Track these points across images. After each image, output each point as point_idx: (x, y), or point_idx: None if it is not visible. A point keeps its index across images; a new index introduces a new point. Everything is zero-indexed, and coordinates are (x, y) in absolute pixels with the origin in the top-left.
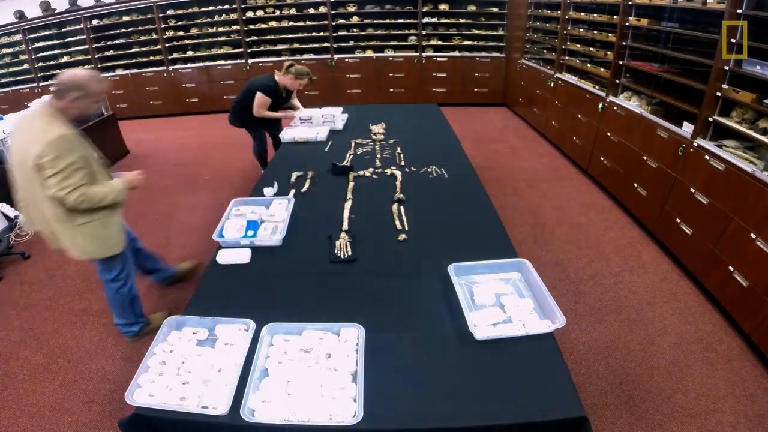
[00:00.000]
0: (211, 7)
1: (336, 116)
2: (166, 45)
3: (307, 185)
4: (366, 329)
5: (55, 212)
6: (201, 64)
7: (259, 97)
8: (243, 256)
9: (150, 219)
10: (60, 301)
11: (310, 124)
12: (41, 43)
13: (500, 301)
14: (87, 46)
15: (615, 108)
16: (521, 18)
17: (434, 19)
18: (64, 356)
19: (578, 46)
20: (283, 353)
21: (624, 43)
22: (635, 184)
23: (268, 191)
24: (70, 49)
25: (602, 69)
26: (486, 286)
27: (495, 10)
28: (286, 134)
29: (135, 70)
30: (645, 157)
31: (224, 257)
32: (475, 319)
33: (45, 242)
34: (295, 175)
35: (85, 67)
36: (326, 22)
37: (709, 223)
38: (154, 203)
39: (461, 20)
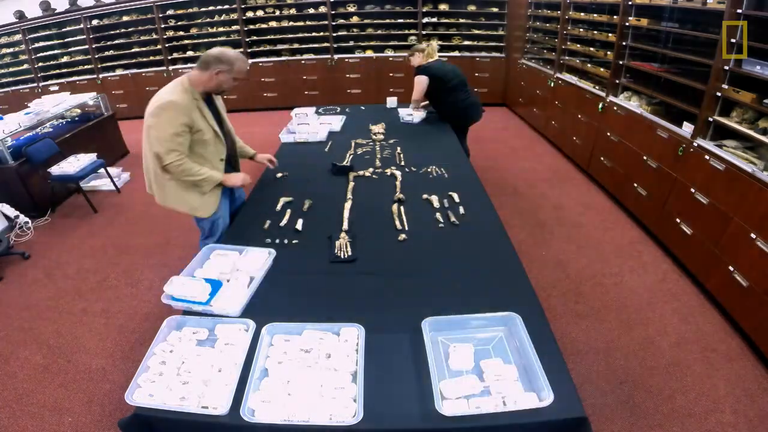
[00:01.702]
0: (211, 7)
1: (334, 124)
2: (166, 45)
3: (299, 224)
4: (366, 329)
5: (154, 167)
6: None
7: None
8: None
9: (150, 219)
10: (60, 301)
11: (308, 125)
12: (41, 43)
13: (480, 366)
14: (87, 46)
15: (615, 108)
16: (521, 18)
17: (434, 19)
18: (64, 356)
19: (578, 46)
20: (283, 353)
21: (624, 43)
22: (635, 184)
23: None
24: (70, 49)
25: (602, 69)
26: (464, 348)
27: (495, 10)
28: (285, 136)
29: (135, 70)
30: (645, 157)
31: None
32: (445, 389)
33: (45, 242)
34: (282, 201)
35: (86, 66)
36: (326, 22)
37: (709, 223)
38: (154, 202)
39: (461, 20)
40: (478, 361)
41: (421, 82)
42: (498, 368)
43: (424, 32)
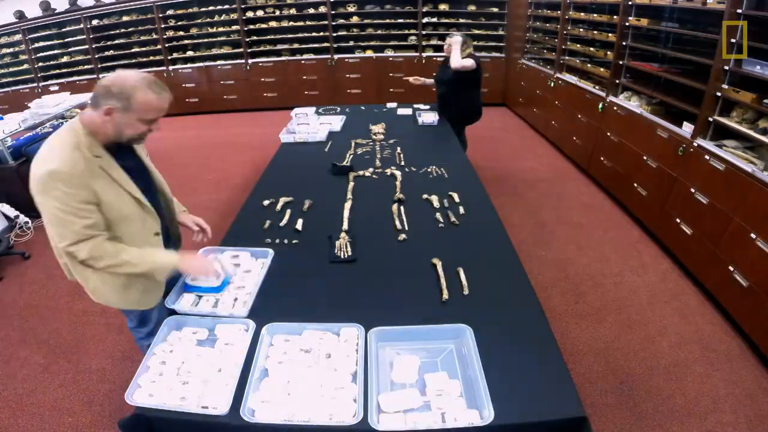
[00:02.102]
0: (211, 7)
1: (334, 124)
2: (166, 45)
3: (299, 224)
4: (366, 329)
5: (69, 258)
6: (201, 64)
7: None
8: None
9: None
10: (60, 301)
11: (308, 125)
12: (41, 43)
13: (424, 380)
14: (87, 46)
15: (615, 108)
16: (521, 18)
17: (434, 19)
18: (64, 356)
19: (578, 46)
20: (283, 353)
21: (624, 43)
22: (635, 184)
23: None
24: (70, 49)
25: (602, 69)
26: (409, 360)
27: (495, 10)
28: (285, 136)
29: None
30: (645, 157)
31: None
32: (384, 402)
33: (45, 242)
34: (282, 201)
35: (86, 66)
36: (326, 22)
37: (709, 223)
38: None
39: (461, 20)
40: (424, 374)
41: (468, 61)
42: (441, 383)
43: (424, 32)
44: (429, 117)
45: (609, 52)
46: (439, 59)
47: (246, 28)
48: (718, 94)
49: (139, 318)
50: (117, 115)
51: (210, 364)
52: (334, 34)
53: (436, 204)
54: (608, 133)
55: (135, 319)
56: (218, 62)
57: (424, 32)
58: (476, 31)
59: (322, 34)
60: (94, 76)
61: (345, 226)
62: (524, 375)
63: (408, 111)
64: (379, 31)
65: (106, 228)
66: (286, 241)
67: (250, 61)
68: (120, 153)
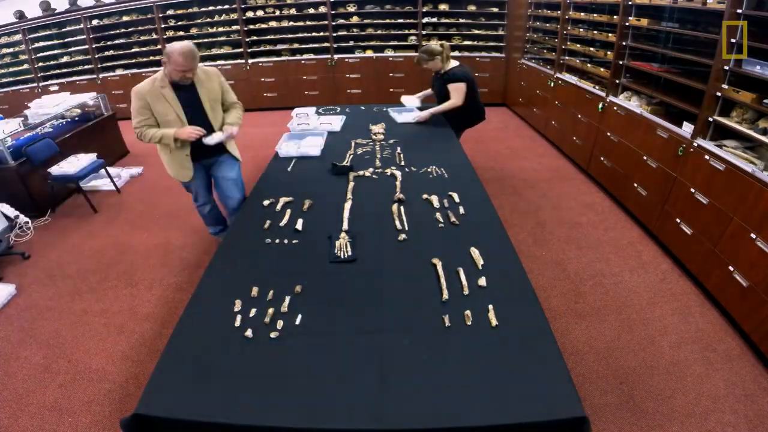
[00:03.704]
0: (211, 7)
1: (334, 124)
2: (166, 45)
3: (299, 224)
4: (366, 329)
5: None
6: (201, 64)
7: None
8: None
9: (150, 219)
10: (60, 301)
11: (307, 125)
12: (41, 43)
13: None
14: (87, 46)
15: (615, 108)
16: (521, 18)
17: (434, 19)
18: (64, 356)
19: (578, 46)
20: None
21: (624, 43)
22: (635, 184)
23: (211, 138)
24: (70, 49)
25: (602, 69)
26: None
27: (495, 10)
28: (282, 149)
29: (135, 70)
30: (645, 157)
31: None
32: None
33: (45, 242)
34: (282, 201)
35: (86, 66)
36: (326, 22)
37: (709, 223)
38: (154, 203)
39: (461, 20)
40: None
41: (460, 89)
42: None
43: (424, 32)
44: (408, 116)
45: (609, 52)
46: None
47: (246, 28)
48: (718, 94)
49: (186, 188)
50: (168, 67)
51: None
52: (334, 34)
53: (436, 204)
54: (608, 133)
55: (186, 188)
56: (218, 62)
57: (424, 32)
58: (476, 31)
59: (322, 34)
60: (94, 76)
61: (345, 226)
62: (524, 375)
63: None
64: (379, 31)
65: (156, 124)
66: (286, 241)
67: (250, 61)
68: (180, 87)
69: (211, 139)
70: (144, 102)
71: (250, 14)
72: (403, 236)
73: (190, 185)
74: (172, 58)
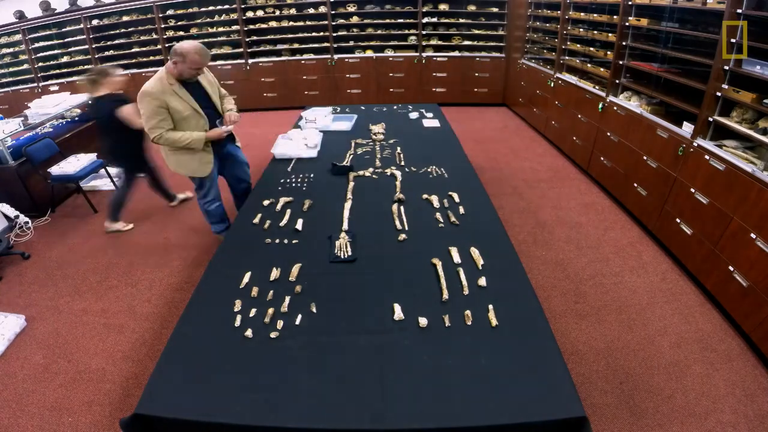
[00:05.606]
0: (211, 7)
1: (346, 125)
2: (166, 45)
3: (299, 224)
4: (366, 329)
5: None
6: None
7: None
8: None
9: (150, 219)
10: (60, 301)
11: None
12: (41, 43)
13: None
14: (87, 46)
15: (615, 108)
16: (521, 18)
17: (434, 19)
18: (64, 356)
19: (578, 46)
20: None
21: (624, 43)
22: (635, 184)
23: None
24: (70, 49)
25: (602, 69)
26: None
27: (495, 10)
28: (278, 149)
29: (135, 70)
30: (645, 157)
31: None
32: None
33: (45, 242)
34: (282, 201)
35: (86, 66)
36: (326, 22)
37: (709, 223)
38: (154, 203)
39: (461, 20)
40: None
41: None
42: None
43: (424, 32)
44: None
45: (609, 52)
46: (439, 59)
47: (246, 28)
48: (718, 94)
49: (198, 183)
50: (180, 65)
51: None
52: (334, 34)
53: (436, 204)
54: (608, 133)
55: (196, 184)
56: (218, 62)
57: (424, 32)
58: (476, 31)
59: (322, 34)
60: None
61: (345, 226)
62: (524, 375)
63: (415, 115)
64: (379, 31)
65: (177, 126)
66: (286, 241)
67: (250, 61)
68: (188, 82)
69: (228, 127)
70: (160, 101)
71: (250, 14)
72: (403, 236)
73: (205, 181)
74: (188, 58)
